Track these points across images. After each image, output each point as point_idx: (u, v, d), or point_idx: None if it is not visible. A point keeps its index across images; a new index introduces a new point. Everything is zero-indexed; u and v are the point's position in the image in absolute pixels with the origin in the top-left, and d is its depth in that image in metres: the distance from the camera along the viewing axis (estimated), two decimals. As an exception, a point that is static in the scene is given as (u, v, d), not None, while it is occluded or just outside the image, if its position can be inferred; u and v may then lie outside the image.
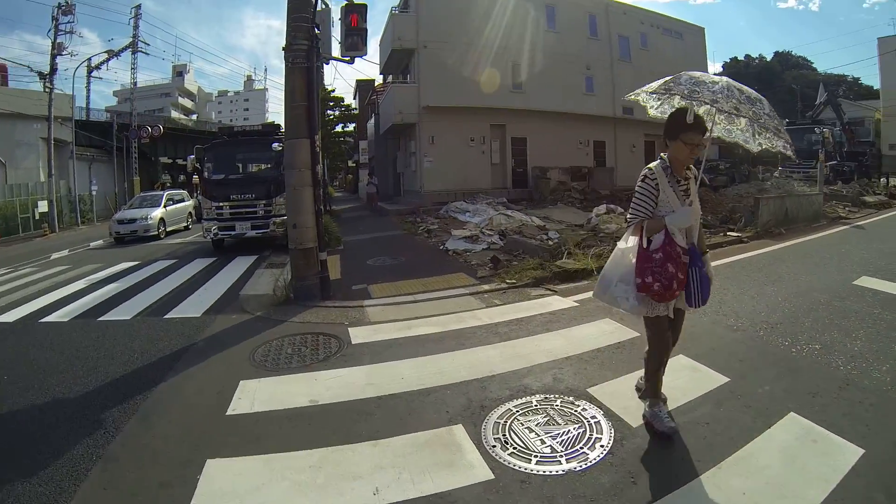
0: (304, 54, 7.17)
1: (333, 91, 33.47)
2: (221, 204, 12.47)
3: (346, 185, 51.63)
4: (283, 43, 7.29)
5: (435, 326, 5.64)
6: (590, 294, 5.58)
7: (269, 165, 13.39)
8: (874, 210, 18.58)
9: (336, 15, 8.19)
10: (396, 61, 23.29)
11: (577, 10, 24.64)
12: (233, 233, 12.52)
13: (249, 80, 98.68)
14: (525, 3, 22.66)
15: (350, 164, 45.70)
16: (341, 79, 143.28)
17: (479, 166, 22.08)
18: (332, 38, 7.99)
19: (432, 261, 9.49)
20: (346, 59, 7.98)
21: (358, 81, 38.05)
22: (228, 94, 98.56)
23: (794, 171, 25.29)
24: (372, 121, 30.16)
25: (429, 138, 21.18)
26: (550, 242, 9.89)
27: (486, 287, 7.26)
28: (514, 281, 7.43)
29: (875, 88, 48.19)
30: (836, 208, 16.21)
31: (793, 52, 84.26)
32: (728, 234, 11.66)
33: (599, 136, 25.72)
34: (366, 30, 7.67)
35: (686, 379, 3.88)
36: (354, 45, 7.62)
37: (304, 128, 7.19)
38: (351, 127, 39.84)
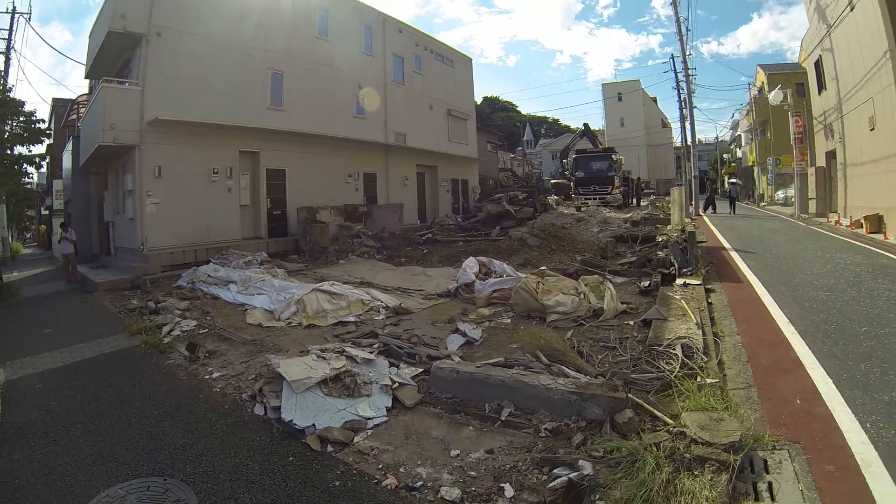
0: None
1: (10, 91, 21.75)
2: None
3: (39, 238, 38.67)
4: None
5: None
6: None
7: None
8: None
9: None
10: (113, 55, 15.40)
11: (352, 19, 20.86)
12: None
13: None
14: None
15: (43, 210, 33.67)
16: (26, 82, 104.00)
17: (226, 209, 15.63)
18: None
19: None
20: None
21: (56, 101, 26.73)
22: None
23: (589, 198, 24.83)
24: (69, 148, 20.32)
25: (154, 169, 13.96)
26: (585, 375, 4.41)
27: None
28: None
29: (574, 127, 54.33)
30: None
31: (500, 98, 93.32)
32: (688, 283, 8.48)
33: (370, 167, 21.60)
34: None
35: None
36: None
37: None
38: (40, 150, 27.30)
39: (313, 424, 3.87)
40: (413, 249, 15.59)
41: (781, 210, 28.61)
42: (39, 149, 24.32)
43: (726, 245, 14.41)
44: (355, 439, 3.73)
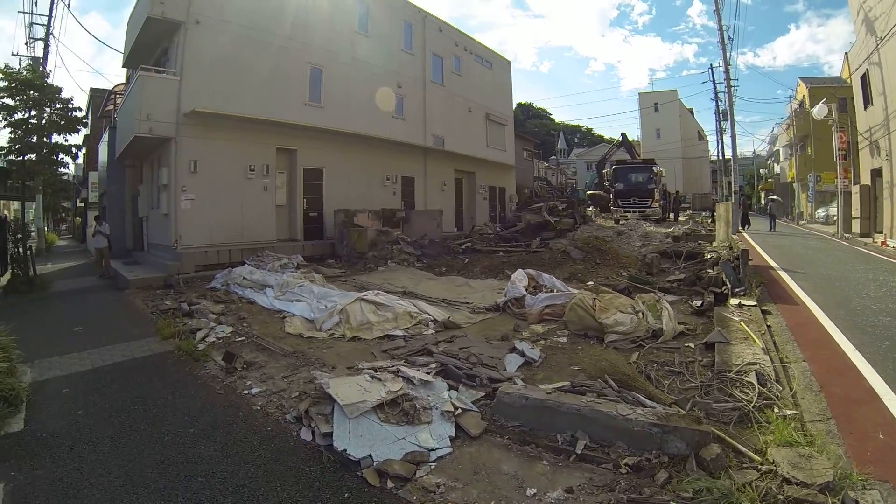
0: None
1: (48, 77, 21.71)
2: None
3: (74, 231, 39.15)
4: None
5: None
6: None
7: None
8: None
9: None
10: (150, 44, 15.32)
11: (393, 15, 20.45)
12: None
13: None
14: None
15: (79, 203, 34.01)
16: (64, 70, 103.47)
17: (261, 209, 15.31)
18: None
19: None
20: None
21: (93, 91, 26.69)
22: None
23: (628, 211, 24.32)
24: (105, 139, 20.31)
25: (190, 163, 13.75)
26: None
27: None
28: None
29: (609, 137, 53.92)
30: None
31: (534, 104, 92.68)
32: (743, 304, 8.11)
33: (408, 170, 21.13)
34: None
35: None
36: None
37: None
38: (77, 140, 27.25)
39: (370, 455, 3.50)
40: (453, 258, 15.27)
41: (822, 229, 27.58)
42: (76, 139, 24.45)
43: (773, 264, 13.89)
44: (418, 474, 3.36)
